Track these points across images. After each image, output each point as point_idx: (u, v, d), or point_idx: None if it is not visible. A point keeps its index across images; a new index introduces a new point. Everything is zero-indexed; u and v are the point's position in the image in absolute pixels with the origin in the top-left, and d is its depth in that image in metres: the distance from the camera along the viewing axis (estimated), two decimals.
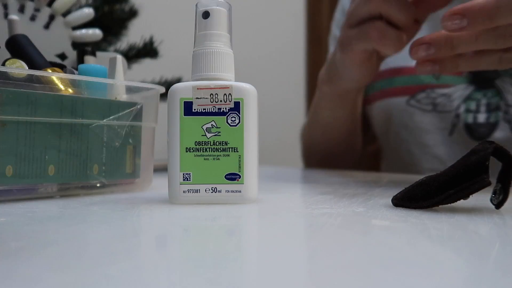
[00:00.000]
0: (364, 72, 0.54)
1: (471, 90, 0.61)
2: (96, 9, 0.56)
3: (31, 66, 0.37)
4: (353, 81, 0.57)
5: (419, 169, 0.65)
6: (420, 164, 0.65)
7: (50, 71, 0.37)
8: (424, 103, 0.64)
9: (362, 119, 0.74)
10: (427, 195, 0.28)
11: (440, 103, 0.63)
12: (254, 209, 0.30)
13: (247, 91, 0.31)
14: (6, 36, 0.40)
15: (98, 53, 0.47)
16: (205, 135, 0.31)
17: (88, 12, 0.50)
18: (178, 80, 0.74)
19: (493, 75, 0.59)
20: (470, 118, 0.61)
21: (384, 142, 0.74)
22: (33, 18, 0.46)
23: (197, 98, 0.31)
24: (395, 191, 0.31)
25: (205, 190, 0.31)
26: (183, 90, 0.31)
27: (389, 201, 0.31)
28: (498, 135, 0.59)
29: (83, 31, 0.50)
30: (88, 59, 0.45)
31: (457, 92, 0.62)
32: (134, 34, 0.70)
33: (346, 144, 0.72)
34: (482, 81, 0.60)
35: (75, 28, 0.50)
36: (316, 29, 1.54)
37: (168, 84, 0.69)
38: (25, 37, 0.40)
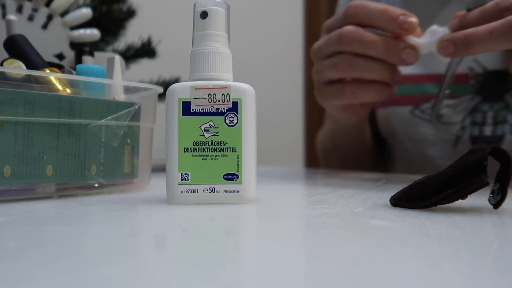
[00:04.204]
0: (351, 115, 0.54)
1: (477, 101, 0.59)
2: (94, 9, 0.56)
3: (29, 66, 0.37)
4: (345, 121, 0.58)
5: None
6: (425, 174, 0.64)
7: (48, 71, 0.37)
8: (428, 113, 0.63)
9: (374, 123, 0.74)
10: (425, 195, 0.28)
11: (445, 114, 0.61)
12: (252, 209, 0.30)
13: (245, 91, 0.31)
14: (4, 36, 0.40)
15: (96, 53, 0.47)
16: (203, 135, 0.31)
17: (86, 12, 0.50)
18: (176, 80, 0.74)
19: (503, 89, 0.57)
20: (476, 131, 0.59)
21: (392, 147, 0.73)
22: (31, 18, 0.46)
23: (195, 98, 0.31)
24: (393, 191, 0.31)
25: (203, 190, 0.31)
26: (181, 90, 0.31)
27: (387, 201, 0.31)
28: (504, 148, 0.58)
29: (81, 31, 0.50)
30: (86, 59, 0.45)
31: (463, 103, 0.60)
32: (132, 34, 0.70)
33: (354, 153, 0.72)
34: (489, 92, 0.58)
35: (73, 28, 0.50)
36: (314, 29, 1.54)
37: (166, 84, 0.69)
38: (23, 37, 0.40)
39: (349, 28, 0.45)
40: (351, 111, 0.53)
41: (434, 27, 0.43)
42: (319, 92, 0.51)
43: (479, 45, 0.40)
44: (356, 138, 0.67)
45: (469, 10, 0.42)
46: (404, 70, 0.64)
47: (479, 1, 0.41)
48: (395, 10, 0.43)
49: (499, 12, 0.39)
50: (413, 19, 0.43)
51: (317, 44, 0.49)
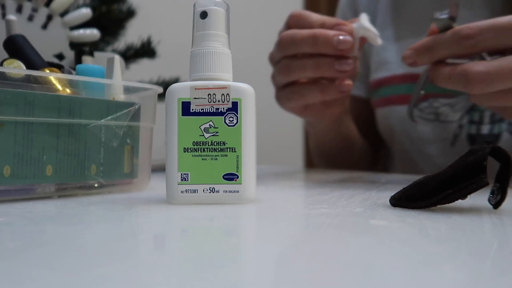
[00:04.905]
0: (316, 116, 0.55)
1: None
2: (93, 9, 0.56)
3: (29, 66, 0.37)
4: (317, 124, 0.59)
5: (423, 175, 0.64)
6: (424, 173, 0.64)
7: (48, 71, 0.37)
8: (426, 112, 0.63)
9: (371, 121, 0.74)
10: (425, 195, 0.28)
11: (442, 112, 0.62)
12: (252, 209, 0.30)
13: (245, 91, 0.31)
14: (3, 36, 0.40)
15: (96, 53, 0.47)
16: (203, 135, 0.31)
17: (85, 12, 0.50)
18: (176, 80, 0.74)
19: None
20: (473, 129, 0.60)
21: (390, 146, 0.73)
22: (30, 18, 0.46)
23: (195, 98, 0.31)
24: (393, 191, 0.31)
25: (203, 190, 0.31)
26: (181, 90, 0.31)
27: (387, 201, 0.31)
28: (501, 145, 0.58)
29: (81, 31, 0.50)
30: (86, 59, 0.45)
31: (460, 102, 0.60)
32: (132, 34, 0.70)
33: (340, 155, 0.71)
34: None
35: (73, 28, 0.50)
36: None
37: (166, 84, 0.69)
38: (23, 37, 0.40)
39: (284, 33, 0.46)
40: (313, 112, 0.53)
41: (363, 16, 0.44)
42: (276, 97, 0.53)
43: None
44: (336, 139, 0.68)
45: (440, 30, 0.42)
46: (403, 69, 0.64)
47: (446, 24, 0.41)
48: (324, 33, 0.43)
49: (459, 39, 0.40)
50: (348, 38, 0.43)
51: (271, 51, 0.51)
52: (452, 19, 0.41)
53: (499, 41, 0.38)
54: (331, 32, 0.43)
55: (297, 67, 0.46)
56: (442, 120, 0.62)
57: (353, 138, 0.69)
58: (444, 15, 0.41)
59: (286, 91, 0.49)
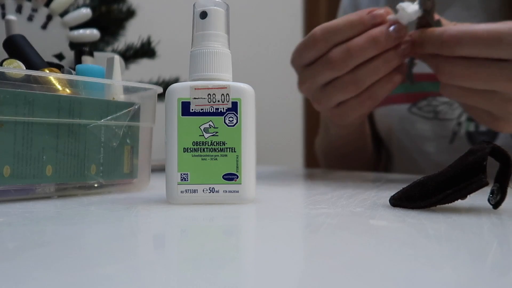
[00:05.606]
0: (353, 122, 0.53)
1: None
2: (93, 9, 0.56)
3: (29, 66, 0.37)
4: (354, 122, 0.58)
5: (422, 175, 0.65)
6: (423, 170, 0.65)
7: (47, 71, 0.37)
8: (425, 110, 0.63)
9: (371, 120, 0.74)
10: (425, 195, 0.28)
11: (441, 111, 0.62)
12: (251, 209, 0.30)
13: (245, 91, 0.31)
14: (3, 36, 0.40)
15: (96, 53, 0.47)
16: (203, 135, 0.31)
17: (85, 12, 0.50)
18: (176, 80, 0.74)
19: None
20: (471, 127, 0.60)
21: (388, 145, 0.73)
22: (30, 18, 0.46)
23: (194, 98, 0.31)
24: (393, 191, 0.31)
25: (203, 190, 0.31)
26: (181, 90, 0.31)
27: (387, 201, 0.31)
28: (499, 143, 0.58)
29: (81, 31, 0.50)
30: (86, 59, 0.45)
31: None
32: (132, 34, 0.70)
33: (355, 154, 0.70)
34: None
35: (73, 28, 0.50)
36: None
37: (165, 84, 0.69)
38: (22, 37, 0.40)
39: (333, 53, 0.43)
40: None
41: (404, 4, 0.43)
42: (334, 115, 0.49)
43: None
44: (359, 140, 0.67)
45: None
46: None
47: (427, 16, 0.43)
48: (380, 31, 0.42)
49: (440, 44, 0.41)
50: (380, 11, 0.42)
51: (306, 79, 0.47)
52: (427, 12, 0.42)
53: (477, 51, 0.39)
54: (383, 27, 0.42)
55: (368, 74, 0.43)
56: (441, 118, 0.63)
57: (369, 135, 0.69)
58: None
59: (354, 101, 0.46)
